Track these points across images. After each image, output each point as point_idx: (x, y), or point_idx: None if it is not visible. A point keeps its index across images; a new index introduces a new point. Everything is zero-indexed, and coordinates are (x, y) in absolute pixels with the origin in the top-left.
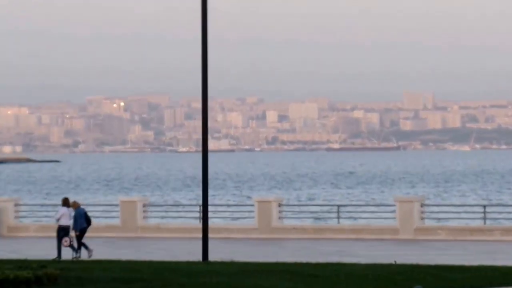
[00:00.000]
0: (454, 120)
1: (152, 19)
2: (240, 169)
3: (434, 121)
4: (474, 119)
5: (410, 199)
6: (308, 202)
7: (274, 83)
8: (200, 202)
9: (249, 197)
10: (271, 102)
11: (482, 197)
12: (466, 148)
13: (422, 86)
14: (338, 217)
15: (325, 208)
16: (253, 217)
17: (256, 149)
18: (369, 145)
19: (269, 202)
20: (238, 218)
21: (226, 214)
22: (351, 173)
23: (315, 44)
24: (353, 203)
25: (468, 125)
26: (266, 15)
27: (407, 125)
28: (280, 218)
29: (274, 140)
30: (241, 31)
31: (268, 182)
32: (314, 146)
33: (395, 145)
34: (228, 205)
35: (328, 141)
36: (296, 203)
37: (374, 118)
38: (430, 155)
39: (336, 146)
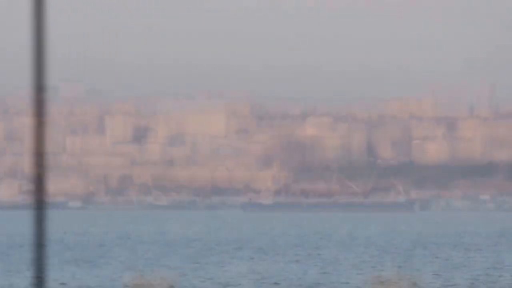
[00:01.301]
0: None
1: None
2: None
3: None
4: None
5: None
6: None
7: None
8: None
9: None
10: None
11: None
12: None
13: None
14: None
15: None
16: None
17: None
18: (341, 197)
19: None
20: None
21: None
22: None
23: None
24: None
25: None
26: None
27: (430, 151)
28: None
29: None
30: None
31: None
32: (216, 200)
33: (402, 199)
34: None
35: (247, 189)
36: None
37: (356, 135)
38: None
39: (267, 199)
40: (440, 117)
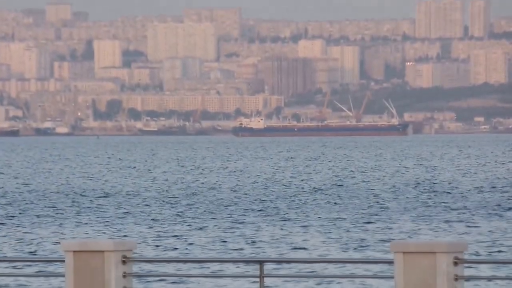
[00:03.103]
0: None
1: None
2: None
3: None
4: None
5: (431, 246)
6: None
7: None
8: None
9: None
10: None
11: None
12: None
13: None
14: None
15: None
16: None
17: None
18: (333, 121)
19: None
20: None
21: None
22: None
23: None
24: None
25: None
26: None
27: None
28: None
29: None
30: None
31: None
32: (206, 125)
33: (396, 122)
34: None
35: (238, 113)
36: None
37: (348, 57)
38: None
39: (258, 123)
40: (434, 38)
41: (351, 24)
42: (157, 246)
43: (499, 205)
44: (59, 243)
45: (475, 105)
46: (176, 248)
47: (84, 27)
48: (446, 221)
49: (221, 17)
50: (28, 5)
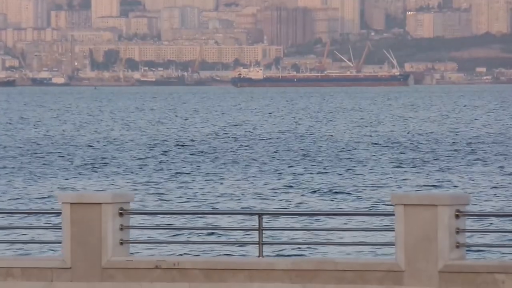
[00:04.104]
0: None
1: None
2: None
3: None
4: None
5: (432, 199)
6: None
7: None
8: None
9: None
10: None
11: None
12: None
13: None
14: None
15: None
16: None
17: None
18: (333, 71)
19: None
20: None
21: None
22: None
23: None
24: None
25: None
26: None
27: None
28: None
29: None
30: None
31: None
32: (205, 75)
33: (396, 72)
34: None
35: (237, 63)
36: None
37: (348, 7)
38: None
39: (256, 73)
40: None
41: None
42: (155, 200)
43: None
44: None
45: (477, 55)
46: (172, 201)
47: None
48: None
49: None
50: None
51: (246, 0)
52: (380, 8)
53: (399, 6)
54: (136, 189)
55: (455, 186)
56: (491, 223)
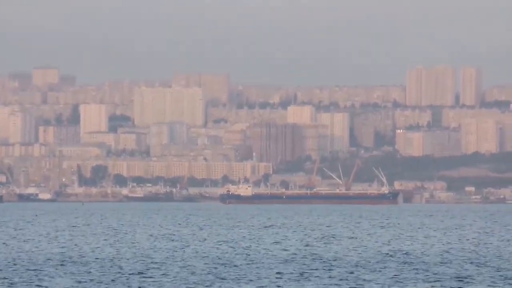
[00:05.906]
0: None
1: None
2: None
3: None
4: None
5: None
6: None
7: None
8: None
9: None
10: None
11: None
12: None
13: None
14: None
15: None
16: None
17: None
18: (322, 188)
19: None
20: None
21: None
22: None
23: None
24: None
25: None
26: None
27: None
28: None
29: None
30: None
31: None
32: (193, 191)
33: (386, 191)
34: None
35: (226, 180)
36: None
37: (338, 124)
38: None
39: (245, 190)
40: (424, 106)
41: (341, 91)
42: None
43: None
44: None
45: (466, 174)
46: None
47: (70, 92)
48: None
49: (209, 82)
50: (15, 69)
51: (235, 116)
52: (370, 126)
53: (388, 124)
54: None
55: None
56: None
